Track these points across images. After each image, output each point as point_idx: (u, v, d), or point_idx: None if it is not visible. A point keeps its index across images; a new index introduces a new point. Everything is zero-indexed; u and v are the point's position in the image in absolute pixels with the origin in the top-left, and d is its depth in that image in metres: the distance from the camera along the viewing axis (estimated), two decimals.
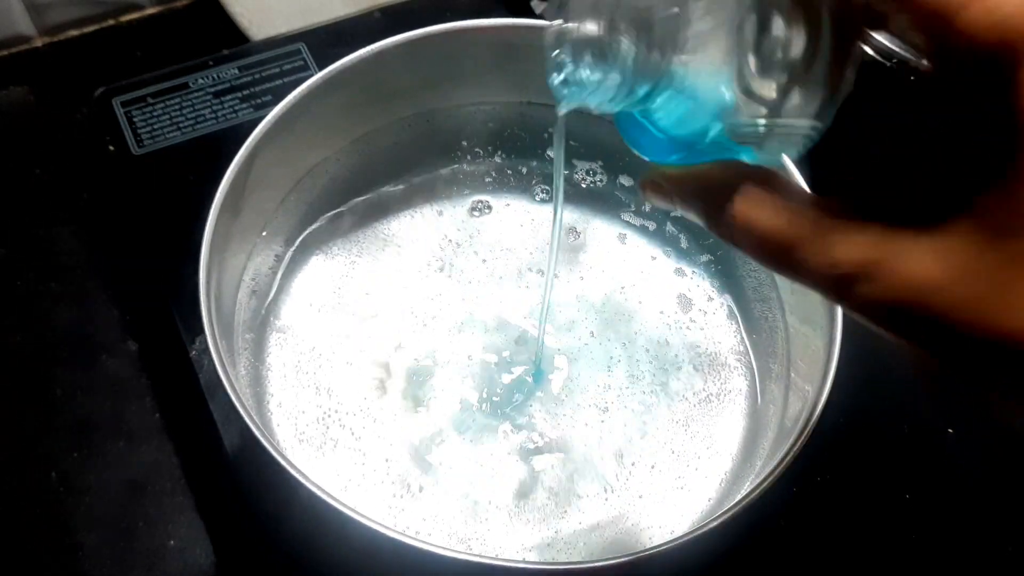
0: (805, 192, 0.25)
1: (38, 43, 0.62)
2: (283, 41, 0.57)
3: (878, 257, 0.21)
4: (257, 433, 0.34)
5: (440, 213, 0.49)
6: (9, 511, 0.45)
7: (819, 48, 0.22)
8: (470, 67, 0.49)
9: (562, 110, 0.30)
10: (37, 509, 0.45)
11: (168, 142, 0.52)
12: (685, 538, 0.34)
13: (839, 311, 0.40)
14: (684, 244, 0.49)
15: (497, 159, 0.51)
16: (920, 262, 0.20)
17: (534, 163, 0.51)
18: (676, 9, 0.23)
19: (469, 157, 0.50)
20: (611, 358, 0.45)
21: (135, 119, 0.53)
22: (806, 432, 0.37)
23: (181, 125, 0.53)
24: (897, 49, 0.60)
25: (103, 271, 0.52)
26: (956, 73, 0.20)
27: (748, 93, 0.23)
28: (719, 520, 0.34)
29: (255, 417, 0.35)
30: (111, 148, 0.52)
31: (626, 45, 0.24)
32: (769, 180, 0.24)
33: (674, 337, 0.46)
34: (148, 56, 0.61)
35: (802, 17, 0.22)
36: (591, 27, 0.25)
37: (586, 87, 0.26)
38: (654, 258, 0.49)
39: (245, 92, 0.54)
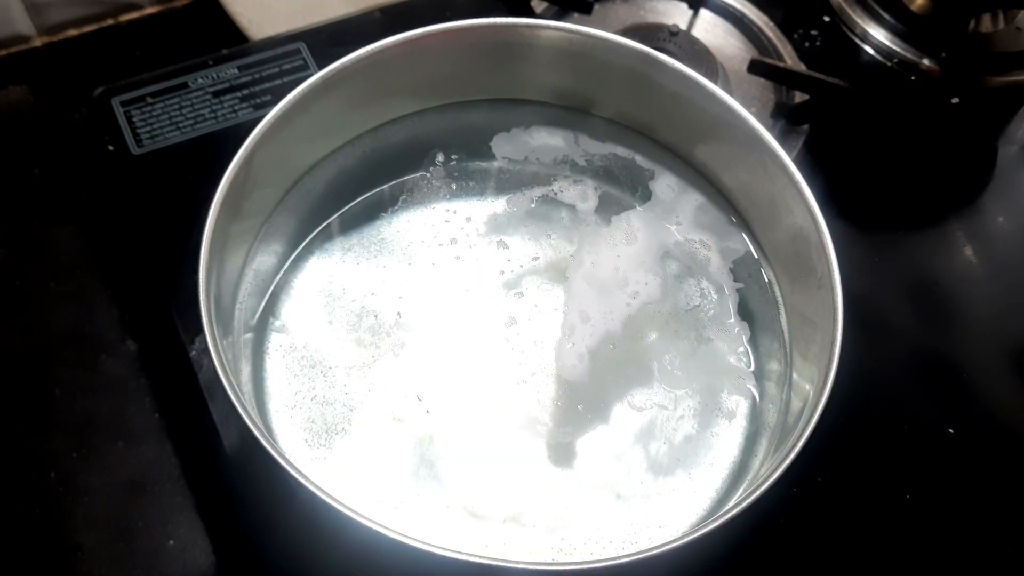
0: None
1: (37, 43, 0.62)
2: (283, 40, 0.57)
3: None
4: (257, 433, 0.34)
5: (441, 213, 0.49)
6: (9, 511, 0.45)
7: None
8: (470, 67, 0.49)
9: None
10: (36, 509, 0.45)
11: (168, 142, 0.52)
12: (685, 538, 0.34)
13: (839, 311, 0.40)
14: (687, 246, 0.49)
15: (498, 158, 0.51)
16: None
17: (536, 161, 0.51)
18: None
19: (469, 157, 0.50)
20: (610, 358, 0.45)
21: (134, 119, 0.53)
22: (806, 432, 0.37)
23: (181, 125, 0.53)
24: (898, 49, 0.60)
25: (103, 271, 0.52)
26: None
27: None
28: (719, 520, 0.35)
29: (255, 417, 0.35)
30: (110, 148, 0.52)
31: None
32: None
33: (674, 337, 0.46)
34: (147, 56, 0.61)
35: None
36: None
37: None
38: (657, 260, 0.49)
39: (245, 92, 0.54)
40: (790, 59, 0.62)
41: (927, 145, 0.62)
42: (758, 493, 0.35)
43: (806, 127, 0.60)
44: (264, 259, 0.46)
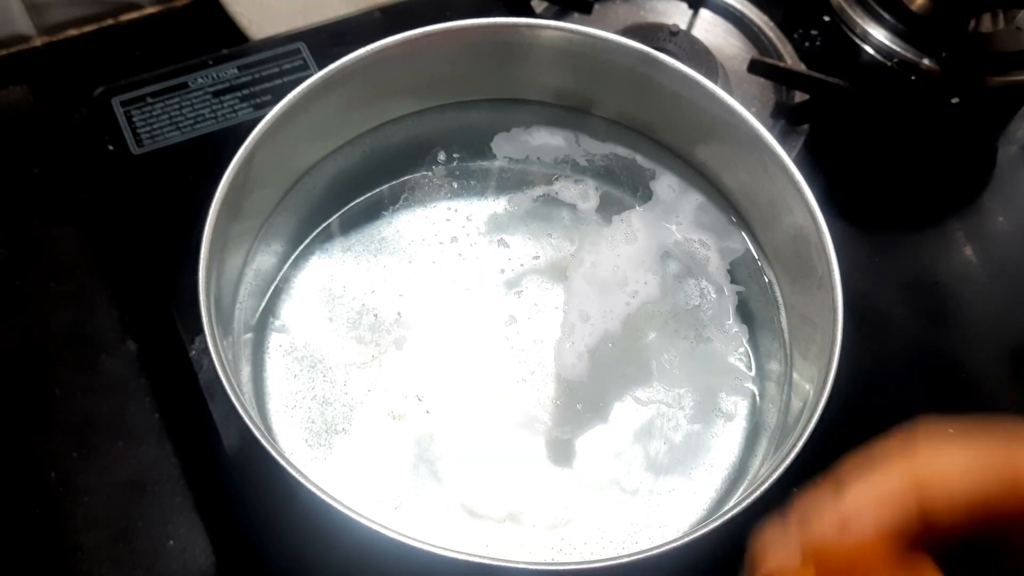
0: None
1: (37, 42, 0.62)
2: (283, 40, 0.57)
3: None
4: (256, 433, 0.34)
5: (442, 211, 0.49)
6: (9, 511, 0.45)
7: None
8: (470, 67, 0.49)
9: None
10: (36, 509, 0.45)
11: (167, 142, 0.52)
12: (685, 538, 0.34)
13: (839, 311, 0.40)
14: (687, 246, 0.49)
15: (499, 158, 0.51)
16: None
17: (537, 161, 0.51)
18: None
19: (470, 157, 0.50)
20: (609, 358, 0.45)
21: (134, 119, 0.53)
22: (806, 432, 0.37)
23: (181, 125, 0.53)
24: (898, 49, 0.60)
25: (103, 271, 0.52)
26: None
27: None
28: (719, 520, 0.35)
29: (254, 417, 0.35)
30: (110, 148, 0.52)
31: None
32: None
33: (674, 337, 0.46)
34: (147, 55, 0.61)
35: None
36: None
37: None
38: (657, 260, 0.49)
39: (245, 92, 0.54)
40: (790, 59, 0.62)
41: (927, 145, 0.61)
42: (758, 493, 0.35)
43: (806, 127, 0.60)
44: (264, 259, 0.46)
